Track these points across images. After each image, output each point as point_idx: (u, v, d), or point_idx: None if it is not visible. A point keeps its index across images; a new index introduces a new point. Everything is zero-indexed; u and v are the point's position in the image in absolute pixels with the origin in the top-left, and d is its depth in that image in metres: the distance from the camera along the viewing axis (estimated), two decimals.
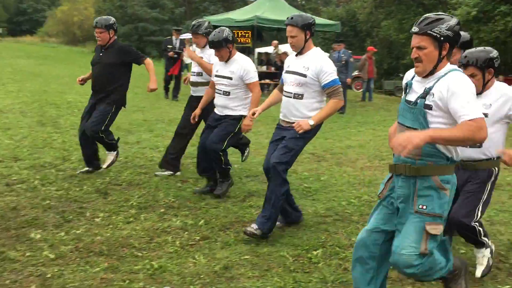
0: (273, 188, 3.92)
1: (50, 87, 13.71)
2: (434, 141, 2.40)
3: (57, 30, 46.72)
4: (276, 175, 3.90)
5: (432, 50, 2.49)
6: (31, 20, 59.37)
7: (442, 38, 2.47)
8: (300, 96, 3.94)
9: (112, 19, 5.45)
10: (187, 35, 11.86)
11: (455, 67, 2.58)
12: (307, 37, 3.94)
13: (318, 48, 4.07)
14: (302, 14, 4.22)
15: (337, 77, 3.96)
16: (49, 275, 3.20)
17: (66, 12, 44.16)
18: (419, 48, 2.50)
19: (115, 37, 5.46)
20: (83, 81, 5.64)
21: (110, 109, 5.35)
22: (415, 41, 2.52)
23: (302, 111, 3.94)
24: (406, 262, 2.45)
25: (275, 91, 4.30)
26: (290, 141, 3.93)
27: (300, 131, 3.80)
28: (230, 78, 4.69)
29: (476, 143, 2.55)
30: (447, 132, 2.41)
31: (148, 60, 5.44)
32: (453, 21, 2.50)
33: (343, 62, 12.25)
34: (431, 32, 2.47)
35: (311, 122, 3.82)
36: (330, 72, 3.89)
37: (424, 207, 2.46)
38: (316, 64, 3.89)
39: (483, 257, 3.45)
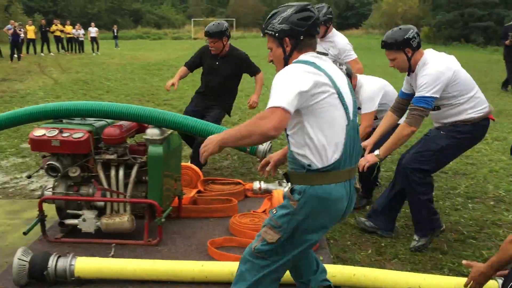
0: None
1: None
2: (225, 144, 2.03)
3: (380, 22, 48.70)
4: None
5: (275, 49, 2.21)
6: (357, 14, 63.57)
7: (277, 35, 2.16)
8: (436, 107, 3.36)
9: (224, 25, 4.98)
10: None
11: (300, 59, 2.12)
12: (410, 55, 3.30)
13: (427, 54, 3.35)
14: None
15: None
16: (383, 244, 3.58)
17: (391, 4, 45.56)
18: (270, 49, 2.24)
19: (229, 43, 5.08)
20: (173, 87, 5.21)
21: (222, 114, 5.27)
22: (267, 44, 2.25)
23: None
24: (243, 255, 2.23)
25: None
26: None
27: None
28: None
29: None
30: (233, 130, 2.04)
31: (261, 74, 5.31)
32: (289, 11, 2.14)
33: None
34: (268, 31, 2.20)
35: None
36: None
37: (274, 211, 2.15)
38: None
39: None
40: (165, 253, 3.30)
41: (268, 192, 4.30)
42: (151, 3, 62.21)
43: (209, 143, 2.05)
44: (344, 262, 3.27)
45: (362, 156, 3.39)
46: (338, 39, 4.77)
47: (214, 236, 3.51)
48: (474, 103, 3.32)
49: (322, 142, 2.03)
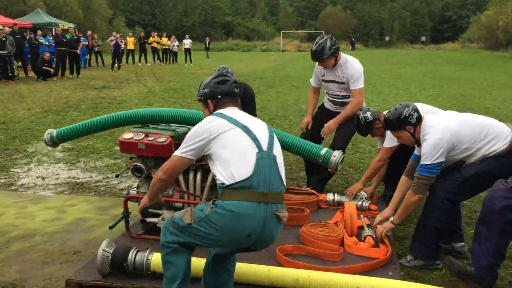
0: None
1: (468, 92, 13.90)
2: (151, 200, 2.75)
3: (479, 35, 46.27)
4: None
5: (204, 110, 2.76)
6: (454, 27, 60.89)
7: (202, 98, 2.72)
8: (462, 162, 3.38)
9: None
10: None
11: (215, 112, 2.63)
12: (412, 131, 3.41)
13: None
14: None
15: None
16: None
17: (492, 16, 43.15)
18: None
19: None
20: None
21: None
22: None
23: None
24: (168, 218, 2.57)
25: None
26: None
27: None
28: None
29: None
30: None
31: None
32: (208, 78, 2.73)
33: None
34: (198, 98, 2.79)
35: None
36: None
37: (200, 204, 2.50)
38: None
39: None
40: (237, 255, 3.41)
41: (341, 204, 4.30)
42: (242, 16, 64.01)
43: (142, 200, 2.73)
44: (414, 280, 3.19)
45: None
46: (348, 66, 4.61)
47: (285, 243, 3.57)
48: (492, 140, 3.24)
49: (227, 164, 2.37)
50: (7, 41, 15.42)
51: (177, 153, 2.48)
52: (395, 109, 3.46)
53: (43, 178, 5.49)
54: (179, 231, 2.45)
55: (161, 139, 3.56)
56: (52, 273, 3.23)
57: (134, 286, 2.96)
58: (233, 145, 2.41)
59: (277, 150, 2.53)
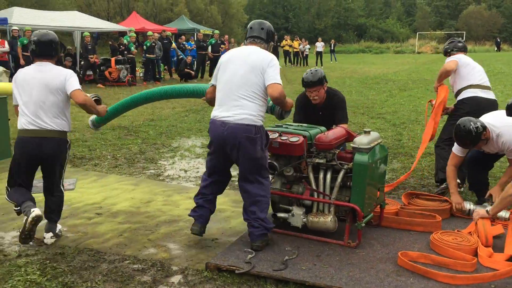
0: None
1: None
2: None
3: None
4: None
5: None
6: None
7: None
8: None
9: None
10: None
11: None
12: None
13: None
14: None
15: None
16: None
17: None
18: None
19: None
20: None
21: None
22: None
23: None
24: None
25: None
26: None
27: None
28: None
29: None
30: None
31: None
32: None
33: None
34: None
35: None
36: None
37: None
38: None
39: None
40: (362, 256, 3.48)
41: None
42: (376, 17, 62.43)
43: None
44: None
45: None
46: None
47: (413, 249, 3.55)
48: None
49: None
50: (156, 46, 17.03)
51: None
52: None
53: (185, 171, 6.05)
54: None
55: (294, 139, 3.75)
56: (194, 255, 3.60)
57: (267, 274, 3.19)
58: None
59: None
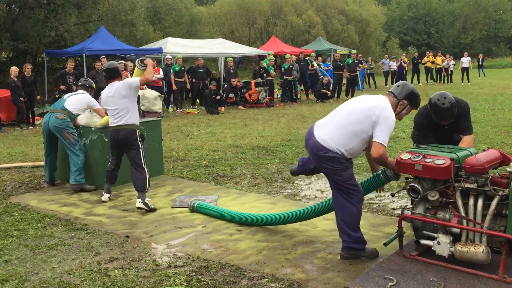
0: None
1: None
2: None
3: None
4: None
5: None
6: None
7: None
8: None
9: None
10: None
11: None
12: None
13: None
14: None
15: None
16: None
17: None
18: None
19: None
20: None
21: None
22: None
23: None
24: None
25: None
26: None
27: None
28: None
29: None
30: None
31: None
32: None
33: None
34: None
35: None
36: None
37: None
38: None
39: None
40: None
41: None
42: None
43: None
44: None
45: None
46: None
47: None
48: None
49: None
50: (293, 68, 17.42)
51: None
52: None
53: (322, 191, 6.02)
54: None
55: (440, 161, 3.51)
56: (331, 278, 3.53)
57: None
58: None
59: None
